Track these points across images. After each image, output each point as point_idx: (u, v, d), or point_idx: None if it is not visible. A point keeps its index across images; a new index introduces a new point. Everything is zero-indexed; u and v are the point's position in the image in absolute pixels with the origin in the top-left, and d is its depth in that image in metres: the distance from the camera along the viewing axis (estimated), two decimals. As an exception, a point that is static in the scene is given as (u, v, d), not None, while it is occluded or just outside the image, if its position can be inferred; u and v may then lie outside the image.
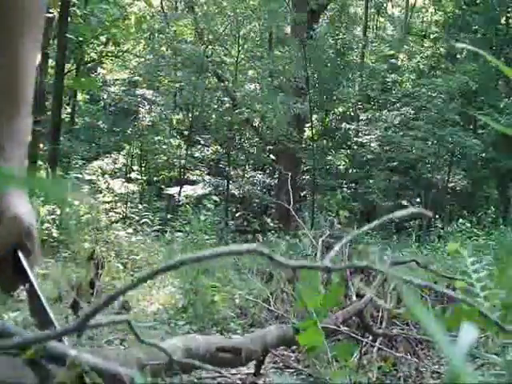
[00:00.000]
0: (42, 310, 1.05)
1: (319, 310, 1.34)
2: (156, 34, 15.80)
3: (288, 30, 15.91)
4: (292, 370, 2.83)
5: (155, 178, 16.35)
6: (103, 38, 15.05)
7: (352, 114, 16.33)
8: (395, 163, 14.58)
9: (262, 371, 2.71)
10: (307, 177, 15.12)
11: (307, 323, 1.31)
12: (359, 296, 3.40)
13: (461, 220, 9.93)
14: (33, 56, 1.06)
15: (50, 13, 10.82)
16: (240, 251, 0.72)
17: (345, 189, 14.99)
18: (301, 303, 1.35)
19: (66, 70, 11.55)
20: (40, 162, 10.91)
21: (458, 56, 16.90)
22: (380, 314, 3.41)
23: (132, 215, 9.81)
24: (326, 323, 2.36)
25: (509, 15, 16.02)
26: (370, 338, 3.05)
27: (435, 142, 13.76)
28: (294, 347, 3.08)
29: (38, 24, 1.06)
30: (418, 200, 15.24)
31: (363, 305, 3.10)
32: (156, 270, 0.74)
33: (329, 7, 16.49)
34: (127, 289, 0.79)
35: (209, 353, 1.87)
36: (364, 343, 2.92)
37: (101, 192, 11.30)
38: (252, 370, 2.57)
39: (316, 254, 3.69)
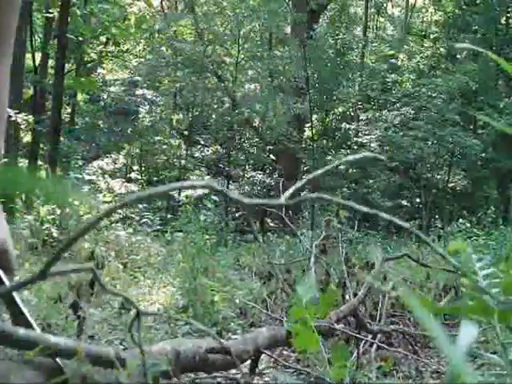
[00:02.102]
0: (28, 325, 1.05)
1: (314, 311, 1.34)
2: (156, 34, 15.79)
3: (288, 30, 15.91)
4: (292, 370, 2.83)
5: (155, 178, 16.34)
6: (103, 38, 15.05)
7: (352, 114, 16.32)
8: (395, 163, 14.57)
9: (258, 371, 2.71)
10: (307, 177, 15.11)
11: (300, 326, 1.32)
12: (356, 295, 3.41)
13: (461, 220, 9.93)
14: (3, 74, 1.01)
15: (50, 13, 10.82)
16: (193, 185, 0.74)
17: (345, 189, 14.98)
18: (295, 311, 1.35)
19: (66, 70, 11.54)
20: (40, 162, 10.91)
21: (458, 56, 16.90)
22: (378, 312, 3.41)
23: (132, 215, 9.81)
24: (319, 323, 2.36)
25: (509, 15, 16.01)
26: (370, 336, 3.05)
27: (435, 142, 13.75)
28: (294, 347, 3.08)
29: (7, 39, 1.00)
30: (418, 200, 15.23)
31: (357, 303, 3.11)
32: (111, 208, 0.74)
33: (329, 7, 16.49)
34: (84, 230, 0.79)
35: (198, 355, 1.87)
36: (363, 342, 2.92)
37: (101, 192, 11.29)
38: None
39: (310, 259, 3.70)
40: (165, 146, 15.48)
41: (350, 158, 0.82)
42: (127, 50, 17.19)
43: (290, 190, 0.86)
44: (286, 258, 6.34)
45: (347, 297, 3.49)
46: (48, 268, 0.77)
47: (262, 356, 2.65)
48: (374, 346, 2.91)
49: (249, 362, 2.51)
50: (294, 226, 5.33)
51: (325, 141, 16.05)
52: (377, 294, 3.64)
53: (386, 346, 2.98)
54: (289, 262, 4.77)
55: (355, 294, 3.41)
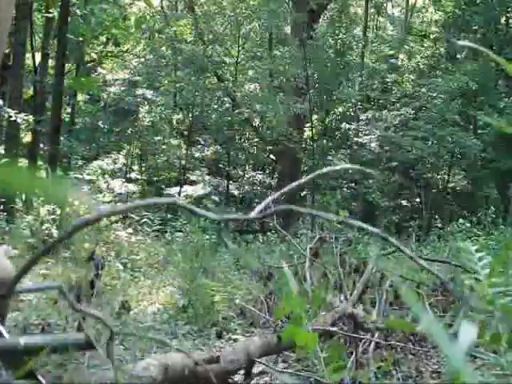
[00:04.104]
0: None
1: (304, 313, 1.34)
2: (156, 34, 15.79)
3: (288, 30, 15.90)
4: (292, 370, 2.83)
5: (155, 178, 16.34)
6: (103, 38, 15.04)
7: (352, 114, 16.32)
8: (395, 163, 14.57)
9: (256, 373, 2.71)
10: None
11: (292, 330, 1.31)
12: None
13: (461, 220, 9.92)
14: None
15: (50, 13, 10.82)
16: (160, 203, 0.75)
17: (345, 189, 14.98)
18: (279, 312, 1.35)
19: (66, 70, 11.53)
20: (40, 162, 10.91)
21: (458, 56, 16.89)
22: (376, 311, 3.42)
23: (132, 215, 9.81)
24: (316, 326, 2.36)
25: (509, 15, 16.01)
26: (368, 335, 3.06)
27: (435, 142, 13.75)
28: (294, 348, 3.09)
29: None
30: (418, 200, 15.23)
31: (351, 304, 3.12)
32: (75, 225, 0.75)
33: (329, 7, 16.48)
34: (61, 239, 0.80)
35: (187, 368, 1.86)
36: (362, 342, 2.92)
37: (101, 192, 11.29)
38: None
39: (305, 262, 3.71)
40: (165, 146, 15.47)
41: (338, 167, 0.83)
42: (127, 50, 17.19)
43: (261, 205, 0.86)
44: (285, 259, 6.34)
45: (343, 298, 3.50)
46: (13, 286, 0.77)
47: (263, 358, 2.65)
48: (372, 346, 2.91)
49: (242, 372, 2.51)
50: (285, 232, 5.37)
51: (325, 141, 16.04)
52: (373, 293, 3.65)
53: (383, 342, 2.98)
54: (281, 266, 4.78)
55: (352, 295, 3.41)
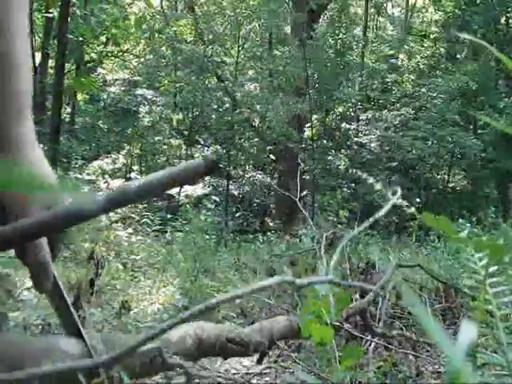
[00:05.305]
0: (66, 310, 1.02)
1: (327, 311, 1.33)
2: (156, 34, 15.80)
3: (288, 30, 15.91)
4: (292, 370, 2.83)
5: (155, 178, 16.31)
6: (103, 38, 15.05)
7: (352, 114, 16.32)
8: (395, 163, 14.57)
9: (259, 370, 2.71)
10: (307, 177, 15.12)
11: (314, 320, 1.31)
12: (362, 296, 3.41)
13: (461, 220, 9.92)
14: (24, 41, 0.83)
15: (50, 13, 10.83)
16: None
17: (345, 189, 14.98)
18: (311, 304, 1.34)
19: (66, 70, 11.53)
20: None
21: (458, 56, 16.91)
22: (378, 313, 3.42)
23: (132, 215, 9.80)
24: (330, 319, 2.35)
25: (509, 15, 16.01)
26: (375, 338, 3.06)
27: (435, 142, 13.75)
28: (295, 346, 3.08)
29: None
30: (418, 200, 15.23)
31: (366, 304, 3.11)
32: None
33: (329, 7, 16.49)
34: None
35: (219, 342, 1.86)
36: (366, 343, 2.92)
37: (101, 192, 11.29)
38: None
39: (320, 248, 3.70)
40: (165, 146, 15.49)
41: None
42: (127, 49, 17.20)
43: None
44: (285, 258, 6.34)
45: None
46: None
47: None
48: (372, 346, 2.91)
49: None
50: (285, 232, 5.38)
51: (325, 141, 16.05)
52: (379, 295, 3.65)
53: (385, 344, 2.98)
54: (295, 253, 4.76)
55: (362, 296, 3.40)
